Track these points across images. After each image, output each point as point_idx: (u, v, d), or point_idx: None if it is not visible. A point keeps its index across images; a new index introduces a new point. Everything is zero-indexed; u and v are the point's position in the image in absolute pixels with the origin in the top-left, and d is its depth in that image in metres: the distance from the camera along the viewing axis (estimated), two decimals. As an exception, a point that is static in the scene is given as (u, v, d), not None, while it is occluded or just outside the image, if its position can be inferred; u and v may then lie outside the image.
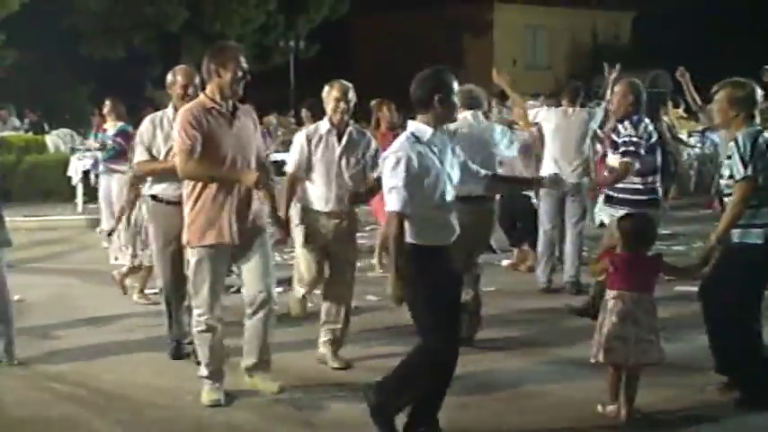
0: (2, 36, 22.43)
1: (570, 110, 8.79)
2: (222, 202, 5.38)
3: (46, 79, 26.72)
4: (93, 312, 8.03)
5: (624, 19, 39.08)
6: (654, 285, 5.33)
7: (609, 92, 8.87)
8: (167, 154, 6.19)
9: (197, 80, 6.23)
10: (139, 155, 6.41)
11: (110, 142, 11.20)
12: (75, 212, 14.14)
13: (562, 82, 35.40)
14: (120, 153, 10.93)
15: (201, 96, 5.50)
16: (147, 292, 8.36)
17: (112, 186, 11.11)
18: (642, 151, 7.05)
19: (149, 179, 6.56)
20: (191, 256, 5.55)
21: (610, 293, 5.27)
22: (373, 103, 9.79)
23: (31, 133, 19.98)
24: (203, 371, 5.63)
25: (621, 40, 38.80)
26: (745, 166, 5.29)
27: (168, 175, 6.03)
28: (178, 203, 5.94)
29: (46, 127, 21.40)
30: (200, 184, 5.40)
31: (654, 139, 7.21)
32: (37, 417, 5.53)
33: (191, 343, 6.17)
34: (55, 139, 18.18)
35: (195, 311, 5.57)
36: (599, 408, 5.37)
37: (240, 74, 5.42)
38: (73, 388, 6.06)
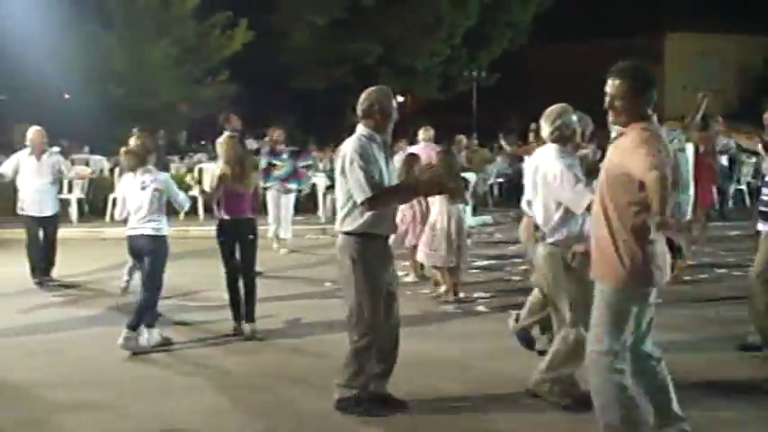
0: (226, 72, 24.64)
1: None
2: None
3: (259, 110, 28.88)
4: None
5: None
6: None
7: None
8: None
9: None
10: (375, 185, 5.15)
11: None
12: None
13: (733, 105, 34.97)
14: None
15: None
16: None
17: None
18: None
19: (359, 212, 5.26)
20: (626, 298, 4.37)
21: None
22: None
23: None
24: None
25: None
26: None
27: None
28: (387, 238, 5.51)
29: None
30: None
31: None
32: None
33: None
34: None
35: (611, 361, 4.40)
36: None
37: None
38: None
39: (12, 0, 20.89)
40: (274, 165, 11.90)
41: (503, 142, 15.35)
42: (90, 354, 7.12)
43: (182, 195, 7.58)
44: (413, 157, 9.78)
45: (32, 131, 10.18)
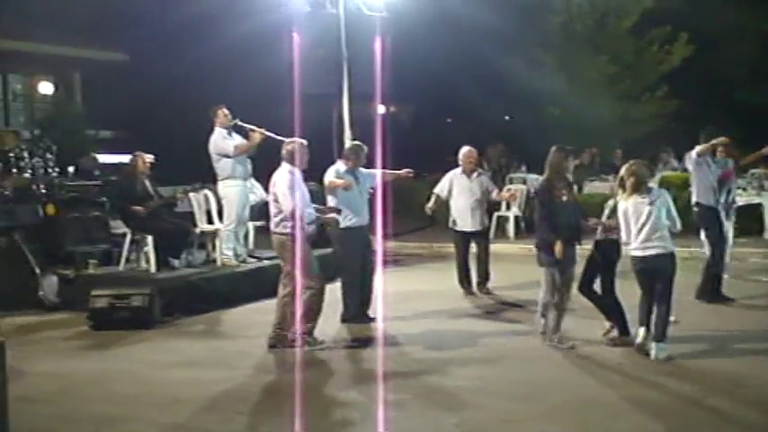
0: (664, 88, 24.00)
1: None
2: None
3: (700, 127, 27.62)
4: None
5: None
6: None
7: None
8: None
9: None
10: None
11: None
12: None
13: None
14: None
15: None
16: None
17: None
18: None
19: None
20: None
21: None
22: None
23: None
24: None
25: None
26: None
27: None
28: None
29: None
30: None
31: None
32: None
33: None
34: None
35: None
36: None
37: None
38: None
39: (462, 31, 22.45)
40: None
41: None
42: (522, 363, 7.41)
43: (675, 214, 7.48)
44: None
45: (464, 151, 10.83)
